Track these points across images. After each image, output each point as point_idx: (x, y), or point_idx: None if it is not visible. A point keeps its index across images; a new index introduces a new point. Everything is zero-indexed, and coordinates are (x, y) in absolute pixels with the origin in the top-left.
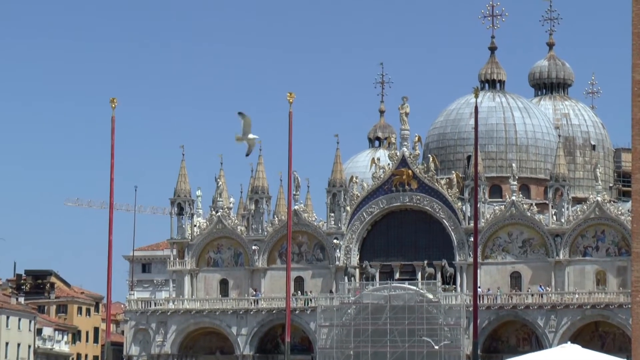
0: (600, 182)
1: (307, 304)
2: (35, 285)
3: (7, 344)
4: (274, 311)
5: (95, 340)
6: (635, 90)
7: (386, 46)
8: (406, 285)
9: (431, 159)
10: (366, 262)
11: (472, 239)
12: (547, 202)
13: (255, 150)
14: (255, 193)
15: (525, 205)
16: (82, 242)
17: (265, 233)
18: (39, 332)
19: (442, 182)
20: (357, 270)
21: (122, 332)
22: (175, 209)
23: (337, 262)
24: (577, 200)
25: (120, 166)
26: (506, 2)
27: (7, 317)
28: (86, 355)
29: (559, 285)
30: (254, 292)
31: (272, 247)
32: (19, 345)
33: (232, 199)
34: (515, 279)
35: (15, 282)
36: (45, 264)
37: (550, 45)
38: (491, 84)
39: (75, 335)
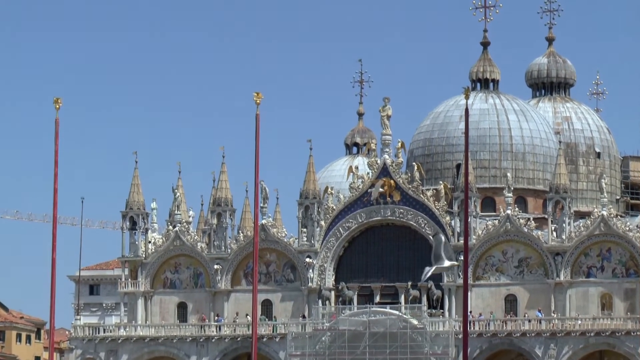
0: (605, 194)
1: (276, 330)
2: None
3: None
4: (239, 338)
5: None
6: None
7: (365, 40)
8: (388, 309)
9: (416, 168)
10: (343, 284)
11: (461, 258)
12: (546, 216)
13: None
14: (218, 205)
15: (521, 220)
16: (22, 260)
17: (229, 250)
18: None
19: (429, 193)
20: (333, 292)
21: None
22: (127, 223)
23: (309, 284)
24: (580, 215)
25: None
26: None
27: None
28: None
29: (559, 310)
30: (216, 317)
31: (236, 267)
32: None
33: (191, 212)
34: (511, 303)
35: None
36: None
37: (550, 41)
38: (484, 83)
39: None
